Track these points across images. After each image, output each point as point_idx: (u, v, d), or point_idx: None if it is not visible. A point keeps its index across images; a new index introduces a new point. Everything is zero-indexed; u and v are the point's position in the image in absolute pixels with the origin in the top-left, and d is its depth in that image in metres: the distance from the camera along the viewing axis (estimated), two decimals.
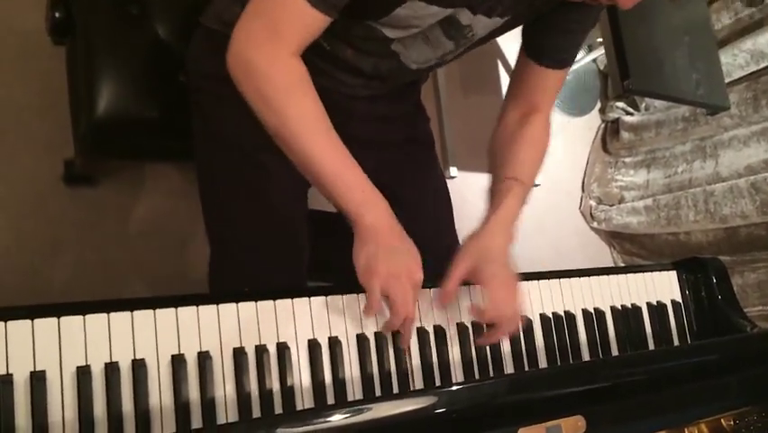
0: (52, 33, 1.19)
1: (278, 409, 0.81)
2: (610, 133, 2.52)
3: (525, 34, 1.06)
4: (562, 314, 1.08)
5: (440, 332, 0.95)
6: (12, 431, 0.67)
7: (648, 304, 1.18)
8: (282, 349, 0.83)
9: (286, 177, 0.97)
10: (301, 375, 0.84)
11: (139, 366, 0.74)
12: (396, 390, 0.90)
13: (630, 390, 0.85)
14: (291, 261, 1.04)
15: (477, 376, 0.96)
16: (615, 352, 1.12)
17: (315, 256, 1.07)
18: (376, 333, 0.91)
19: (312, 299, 0.88)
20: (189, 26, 1.10)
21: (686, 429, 0.89)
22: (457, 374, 0.96)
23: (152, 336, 0.76)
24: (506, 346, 1.01)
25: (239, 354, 0.80)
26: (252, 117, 0.88)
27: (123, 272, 1.55)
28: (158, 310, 0.77)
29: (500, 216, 0.99)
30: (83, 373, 0.71)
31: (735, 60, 2.06)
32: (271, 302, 0.85)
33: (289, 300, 0.86)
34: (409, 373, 0.92)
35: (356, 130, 1.10)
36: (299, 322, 0.86)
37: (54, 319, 0.71)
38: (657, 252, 2.32)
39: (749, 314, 1.24)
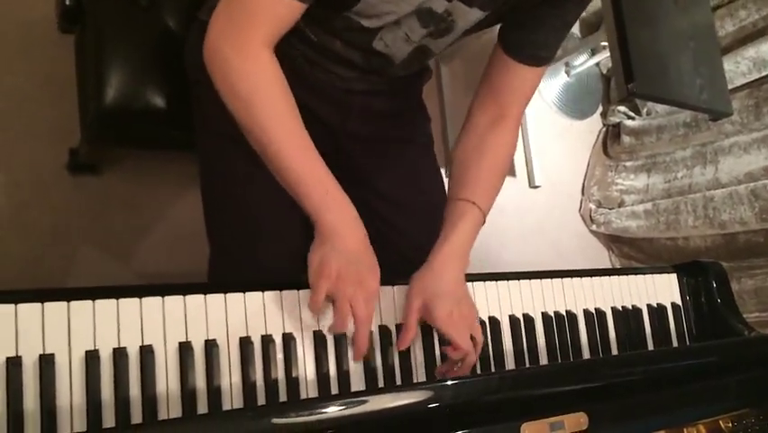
0: (62, 21, 1.20)
1: (283, 398, 0.82)
2: (611, 136, 2.53)
3: (503, 28, 1.02)
4: (564, 313, 1.09)
5: None
6: (20, 413, 0.67)
7: (648, 306, 1.19)
8: (288, 340, 0.84)
9: None
10: (306, 366, 0.85)
11: (147, 352, 0.75)
12: (399, 383, 0.90)
13: (631, 388, 0.86)
14: (290, 253, 1.02)
15: (479, 372, 0.97)
16: (615, 352, 1.12)
17: None
18: (380, 326, 0.92)
19: None
20: (196, 18, 1.10)
21: (685, 430, 0.89)
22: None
23: (160, 323, 0.77)
24: (507, 344, 1.02)
25: (245, 343, 0.81)
26: None
27: (126, 262, 1.55)
28: (166, 297, 0.77)
29: (453, 245, 0.96)
30: (92, 358, 0.71)
31: (737, 68, 2.07)
32: (278, 293, 0.86)
33: (296, 292, 0.87)
34: (413, 366, 0.93)
35: (355, 126, 1.10)
36: (305, 313, 0.87)
37: (64, 303, 0.72)
38: (656, 256, 2.32)
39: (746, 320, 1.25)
